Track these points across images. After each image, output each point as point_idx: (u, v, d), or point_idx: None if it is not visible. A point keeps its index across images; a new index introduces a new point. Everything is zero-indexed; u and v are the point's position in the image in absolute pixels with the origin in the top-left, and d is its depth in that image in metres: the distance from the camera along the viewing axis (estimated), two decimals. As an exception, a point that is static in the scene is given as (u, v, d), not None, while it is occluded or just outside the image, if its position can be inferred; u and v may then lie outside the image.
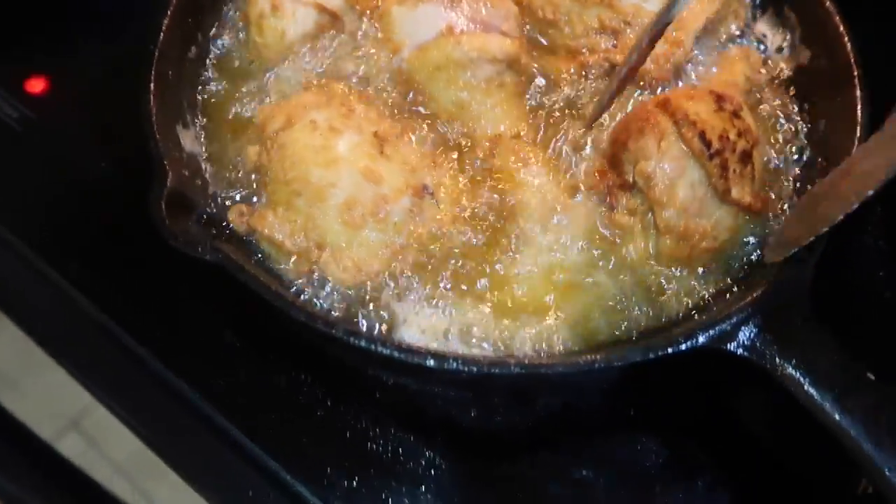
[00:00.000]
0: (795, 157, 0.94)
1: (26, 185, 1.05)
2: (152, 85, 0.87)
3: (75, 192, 1.03)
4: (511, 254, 0.85)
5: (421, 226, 0.86)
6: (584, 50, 0.98)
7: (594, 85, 0.97)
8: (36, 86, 1.14)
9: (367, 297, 0.82)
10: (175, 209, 0.79)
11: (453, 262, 0.84)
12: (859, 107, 0.88)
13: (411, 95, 0.96)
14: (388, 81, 0.97)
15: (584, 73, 0.98)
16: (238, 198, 0.89)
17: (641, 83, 0.96)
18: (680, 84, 0.97)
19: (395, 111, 0.95)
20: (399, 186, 0.84)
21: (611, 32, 0.98)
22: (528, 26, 1.01)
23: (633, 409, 0.87)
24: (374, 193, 0.83)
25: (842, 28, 0.94)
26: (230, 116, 0.96)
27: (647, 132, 0.86)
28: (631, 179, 0.87)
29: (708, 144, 0.84)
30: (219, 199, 0.89)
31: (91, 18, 1.16)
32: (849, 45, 0.93)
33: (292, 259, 0.83)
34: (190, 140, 0.92)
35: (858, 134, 0.87)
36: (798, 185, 0.92)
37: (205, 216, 0.83)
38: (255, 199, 0.89)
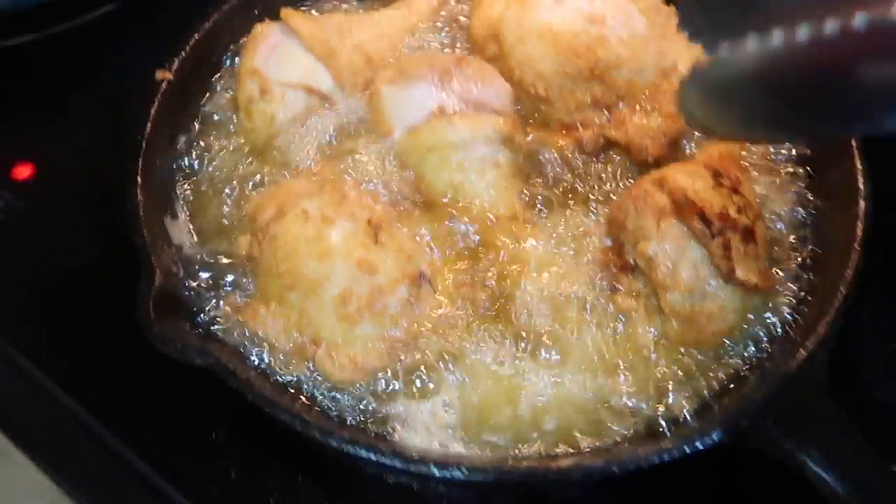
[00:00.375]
0: (797, 229, 0.92)
1: (9, 276, 1.02)
2: (139, 178, 0.85)
3: (60, 285, 1.00)
4: (513, 343, 0.82)
5: (419, 316, 0.83)
6: (578, 125, 0.97)
7: (590, 160, 0.96)
8: (22, 172, 1.12)
9: (365, 395, 0.79)
10: (163, 309, 0.77)
11: (454, 354, 0.81)
12: (860, 180, 0.86)
13: (405, 178, 0.94)
14: (382, 163, 0.95)
15: (579, 148, 0.96)
16: (229, 290, 0.86)
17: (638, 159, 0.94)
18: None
19: (390, 194, 0.93)
20: (395, 276, 0.82)
21: (604, 107, 0.97)
22: (520, 103, 0.99)
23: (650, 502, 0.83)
24: (370, 285, 0.80)
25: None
26: (220, 205, 0.93)
27: (645, 212, 0.84)
28: (632, 261, 0.85)
29: (708, 224, 0.82)
30: (209, 293, 0.86)
31: (77, 103, 1.15)
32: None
33: (285, 356, 0.79)
34: (178, 232, 0.90)
35: (863, 207, 0.85)
36: (801, 258, 0.89)
37: (194, 314, 0.80)
38: (246, 291, 0.86)
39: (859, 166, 0.87)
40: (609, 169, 0.97)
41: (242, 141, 0.99)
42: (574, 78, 0.97)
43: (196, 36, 1.00)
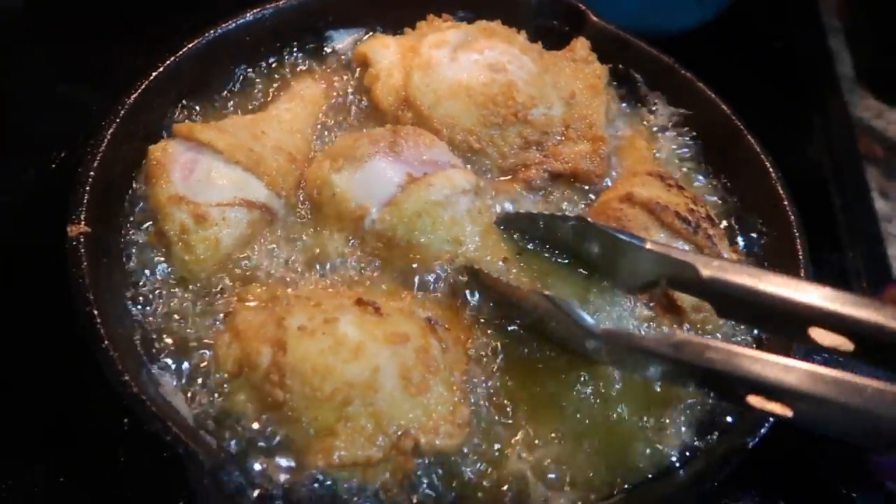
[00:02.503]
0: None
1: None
2: (119, 367, 0.72)
3: None
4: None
5: (456, 354, 0.82)
6: (520, 167, 1.02)
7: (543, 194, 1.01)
8: None
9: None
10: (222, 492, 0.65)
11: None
12: (757, 149, 1.03)
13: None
14: (361, 251, 0.91)
15: (528, 187, 1.01)
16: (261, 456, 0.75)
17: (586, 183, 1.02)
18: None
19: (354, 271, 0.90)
20: (419, 332, 0.79)
21: (534, 145, 1.03)
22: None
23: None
24: (413, 350, 0.77)
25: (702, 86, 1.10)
26: (199, 357, 0.81)
27: (630, 225, 0.91)
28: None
29: (686, 220, 0.91)
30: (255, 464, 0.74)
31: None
32: (722, 103, 1.08)
33: (386, 471, 0.73)
34: (176, 400, 0.76)
35: (773, 175, 1.00)
36: (734, 226, 1.04)
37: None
38: (275, 441, 0.76)
39: (752, 140, 1.03)
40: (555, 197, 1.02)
41: (183, 277, 0.87)
42: (500, 125, 1.01)
43: (90, 175, 0.85)
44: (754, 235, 1.01)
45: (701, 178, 1.09)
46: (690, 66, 1.13)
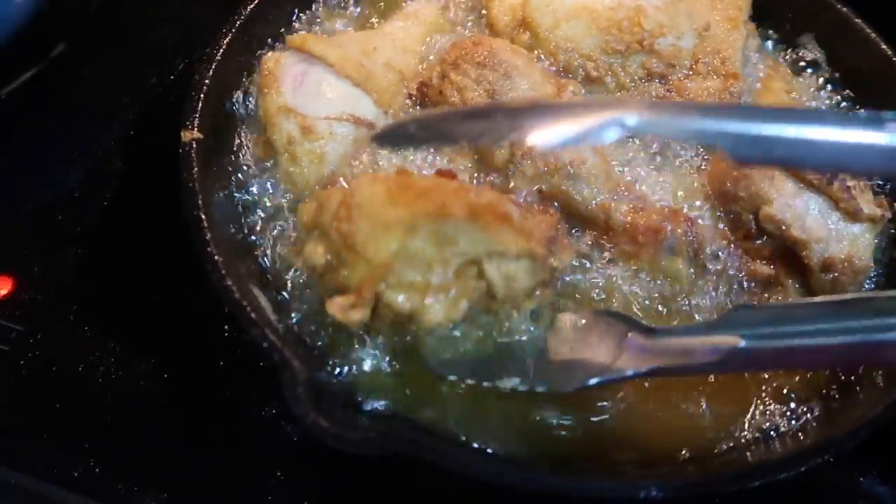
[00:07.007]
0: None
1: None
2: (235, 293, 0.71)
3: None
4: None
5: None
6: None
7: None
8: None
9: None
10: (316, 402, 0.65)
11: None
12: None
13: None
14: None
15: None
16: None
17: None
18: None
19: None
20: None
21: (658, 78, 0.95)
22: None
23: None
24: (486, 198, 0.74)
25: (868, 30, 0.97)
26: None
27: (753, 176, 0.83)
28: (753, 228, 0.84)
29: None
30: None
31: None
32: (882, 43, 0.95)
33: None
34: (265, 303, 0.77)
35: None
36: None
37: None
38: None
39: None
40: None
41: (288, 186, 0.87)
42: (623, 53, 0.94)
43: (205, 83, 0.86)
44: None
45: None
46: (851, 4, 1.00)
